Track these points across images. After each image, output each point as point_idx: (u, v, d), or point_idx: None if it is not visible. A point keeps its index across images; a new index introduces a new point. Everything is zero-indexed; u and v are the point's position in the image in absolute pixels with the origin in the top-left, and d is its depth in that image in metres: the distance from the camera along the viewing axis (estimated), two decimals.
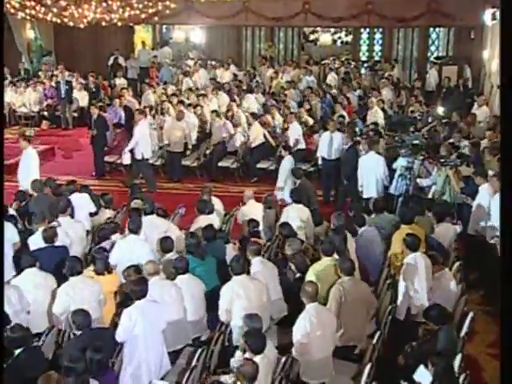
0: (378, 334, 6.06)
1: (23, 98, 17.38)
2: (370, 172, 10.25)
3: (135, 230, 7.40)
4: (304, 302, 5.87)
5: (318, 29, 23.64)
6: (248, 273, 6.66)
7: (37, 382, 4.86)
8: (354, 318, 6.28)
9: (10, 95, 17.32)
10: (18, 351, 5.27)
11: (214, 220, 8.37)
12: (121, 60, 20.16)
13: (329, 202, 11.46)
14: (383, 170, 10.28)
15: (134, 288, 5.79)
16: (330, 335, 5.85)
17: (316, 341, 5.69)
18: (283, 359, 5.59)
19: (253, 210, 8.94)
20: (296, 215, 8.48)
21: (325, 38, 23.74)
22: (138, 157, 11.89)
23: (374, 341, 5.93)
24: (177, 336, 6.20)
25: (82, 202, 8.89)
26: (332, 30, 23.61)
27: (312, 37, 24.77)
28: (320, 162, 11.87)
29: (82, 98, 17.18)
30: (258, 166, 12.88)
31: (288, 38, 22.00)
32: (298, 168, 10.58)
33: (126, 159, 12.23)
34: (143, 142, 11.89)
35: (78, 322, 5.65)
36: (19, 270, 6.78)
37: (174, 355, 6.11)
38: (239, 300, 6.18)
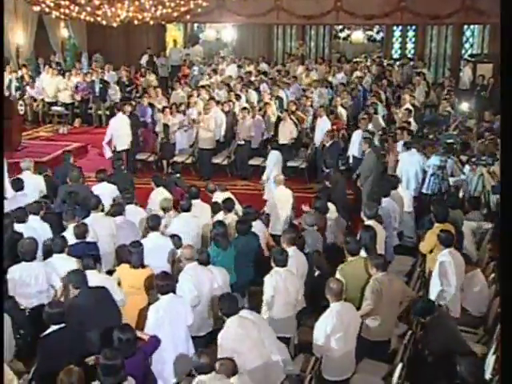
0: (409, 333, 5.99)
1: (57, 83, 17.27)
2: (411, 169, 10.16)
3: (155, 227, 7.44)
4: (328, 300, 5.81)
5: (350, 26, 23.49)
6: None
7: (69, 358, 5.00)
8: (388, 314, 6.23)
9: (43, 80, 17.35)
10: (54, 327, 5.36)
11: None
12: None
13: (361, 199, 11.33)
14: (422, 168, 10.20)
15: (159, 283, 5.84)
16: (353, 333, 5.80)
17: (337, 341, 5.65)
18: (313, 359, 5.56)
19: (282, 196, 8.97)
20: None
21: (357, 36, 23.57)
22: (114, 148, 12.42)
23: (406, 341, 5.86)
24: (201, 322, 6.25)
25: (108, 193, 8.93)
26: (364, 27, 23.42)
27: (343, 34, 24.61)
28: (351, 160, 11.81)
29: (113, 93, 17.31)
30: (289, 164, 12.82)
31: (319, 36, 21.89)
32: (330, 160, 10.47)
33: (108, 152, 12.55)
34: (116, 135, 12.32)
35: (75, 281, 5.84)
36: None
37: (197, 341, 6.13)
38: (279, 294, 6.19)
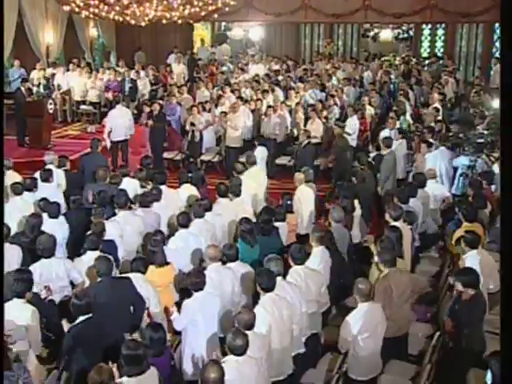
0: (437, 334, 5.90)
1: (86, 82, 17.27)
2: (442, 167, 10.11)
3: (185, 224, 7.44)
4: (357, 300, 5.76)
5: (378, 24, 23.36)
6: None
7: (94, 350, 5.17)
8: (399, 310, 6.13)
9: (72, 79, 17.42)
10: (81, 318, 5.42)
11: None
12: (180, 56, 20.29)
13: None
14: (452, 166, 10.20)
15: (193, 280, 5.86)
16: (380, 334, 5.73)
17: (364, 340, 5.60)
18: (340, 358, 5.53)
19: (305, 195, 8.93)
20: None
21: (385, 34, 23.40)
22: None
23: (434, 342, 5.78)
24: (226, 324, 6.22)
25: (131, 188, 8.94)
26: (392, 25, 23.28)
27: (371, 33, 24.48)
28: None
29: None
30: (316, 163, 12.72)
31: (347, 35, 21.79)
32: (365, 154, 10.42)
33: (108, 143, 12.89)
34: (113, 126, 12.86)
35: (99, 268, 5.96)
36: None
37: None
38: (300, 290, 6.11)
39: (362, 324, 5.55)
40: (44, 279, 6.42)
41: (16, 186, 8.38)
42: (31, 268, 6.34)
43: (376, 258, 6.57)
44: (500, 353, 4.52)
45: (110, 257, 6.31)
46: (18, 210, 7.94)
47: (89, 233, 7.16)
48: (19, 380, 4.74)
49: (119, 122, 12.90)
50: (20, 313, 5.60)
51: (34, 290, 6.13)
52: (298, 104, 14.01)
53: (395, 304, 6.06)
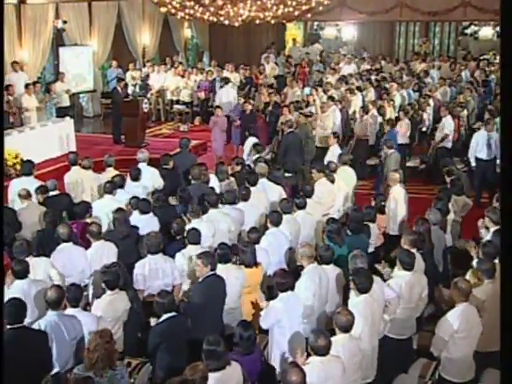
0: None
1: (180, 82, 17.70)
2: None
3: (278, 223, 7.40)
4: (455, 300, 5.55)
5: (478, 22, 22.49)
6: None
7: (177, 348, 5.31)
8: (493, 324, 5.70)
9: (166, 78, 17.86)
10: (164, 316, 5.50)
11: None
12: (271, 57, 20.33)
13: (480, 203, 10.78)
14: None
15: (279, 280, 5.83)
16: (475, 337, 5.53)
17: (458, 341, 5.42)
18: (433, 364, 5.35)
19: (400, 195, 8.73)
20: None
21: (485, 32, 22.49)
22: None
23: None
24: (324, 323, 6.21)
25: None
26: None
27: (469, 30, 23.59)
28: (473, 162, 11.35)
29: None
30: (408, 164, 12.39)
31: (444, 33, 21.10)
32: (453, 167, 10.09)
33: None
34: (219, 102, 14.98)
35: (205, 259, 6.06)
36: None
37: None
38: (402, 298, 6.02)
39: (460, 323, 5.39)
40: (150, 275, 6.54)
41: (107, 184, 8.56)
42: (139, 264, 6.54)
43: (475, 265, 6.30)
44: (500, 352, 4.34)
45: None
46: (100, 208, 8.15)
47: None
48: (122, 380, 4.81)
49: (224, 100, 14.94)
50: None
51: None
52: (385, 100, 13.75)
53: (486, 317, 5.75)
